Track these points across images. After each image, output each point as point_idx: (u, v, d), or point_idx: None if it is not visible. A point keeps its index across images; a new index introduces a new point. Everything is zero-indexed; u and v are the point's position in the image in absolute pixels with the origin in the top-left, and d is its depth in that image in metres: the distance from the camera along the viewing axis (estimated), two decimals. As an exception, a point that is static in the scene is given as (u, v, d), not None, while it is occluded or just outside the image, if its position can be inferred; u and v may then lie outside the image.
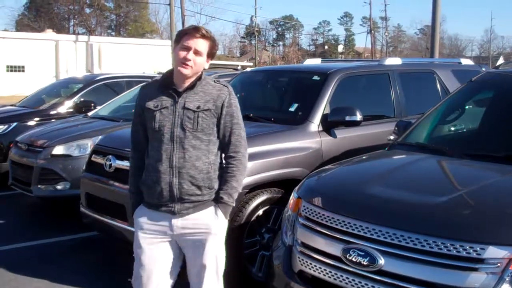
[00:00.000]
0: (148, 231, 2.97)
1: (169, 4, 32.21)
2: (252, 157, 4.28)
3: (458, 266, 2.52)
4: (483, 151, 3.63)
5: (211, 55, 2.94)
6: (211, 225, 2.95)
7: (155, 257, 2.98)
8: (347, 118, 5.05)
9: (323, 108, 5.20)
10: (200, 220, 2.93)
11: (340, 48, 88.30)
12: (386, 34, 72.31)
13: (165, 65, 30.34)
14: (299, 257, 3.12)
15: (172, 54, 3.05)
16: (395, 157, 3.89)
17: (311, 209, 3.17)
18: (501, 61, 35.55)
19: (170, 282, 3.05)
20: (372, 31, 59.49)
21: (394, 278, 2.66)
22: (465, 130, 4.44)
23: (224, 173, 2.98)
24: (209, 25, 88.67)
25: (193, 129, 2.89)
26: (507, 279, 2.44)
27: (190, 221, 2.93)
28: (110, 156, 5.05)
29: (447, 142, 4.14)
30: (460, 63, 7.00)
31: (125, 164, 4.81)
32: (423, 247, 2.61)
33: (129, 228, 4.56)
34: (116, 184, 4.87)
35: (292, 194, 3.50)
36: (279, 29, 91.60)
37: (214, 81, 3.01)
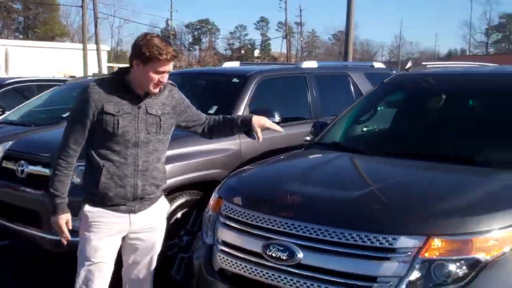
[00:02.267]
0: (106, 229, 3.01)
1: (82, 6, 31.29)
2: (171, 159, 4.28)
3: (372, 256, 2.65)
4: (396, 149, 3.82)
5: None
6: (161, 217, 3.21)
7: (109, 253, 3.05)
8: None
9: (242, 109, 5.29)
10: (153, 213, 3.14)
11: (257, 52, 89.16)
12: (301, 39, 73.96)
13: (77, 68, 29.45)
14: (219, 256, 3.16)
15: (138, 72, 3.00)
16: (311, 156, 4.02)
17: (231, 208, 3.23)
18: (409, 65, 36.97)
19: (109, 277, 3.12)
20: (288, 36, 60.53)
21: (312, 270, 2.76)
22: (378, 129, 4.65)
23: (221, 121, 3.29)
24: (123, 27, 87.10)
25: (156, 133, 3.01)
26: (417, 266, 2.60)
27: (146, 216, 3.10)
28: (23, 161, 4.86)
29: (362, 141, 4.34)
30: (372, 66, 7.32)
31: (38, 169, 4.67)
32: (339, 240, 2.73)
33: (43, 235, 4.45)
34: (29, 190, 4.70)
35: (213, 194, 3.54)
36: (195, 33, 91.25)
37: None
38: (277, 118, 5.18)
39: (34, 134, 5.74)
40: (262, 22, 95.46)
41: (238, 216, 3.14)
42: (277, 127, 3.36)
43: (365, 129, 4.61)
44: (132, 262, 3.21)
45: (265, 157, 4.51)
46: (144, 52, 2.83)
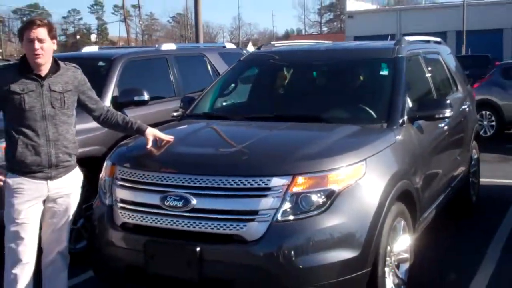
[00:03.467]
0: (26, 195, 3.43)
1: None
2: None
3: (252, 195, 3.34)
4: (259, 114, 4.58)
5: (53, 36, 3.44)
6: (76, 185, 3.69)
7: (32, 217, 3.47)
8: (136, 98, 5.64)
9: (111, 90, 5.70)
10: (69, 181, 3.60)
11: (93, 37, 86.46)
12: (140, 22, 73.03)
13: None
14: (121, 212, 3.65)
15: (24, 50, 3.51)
16: (187, 125, 4.62)
17: (126, 171, 3.72)
18: (250, 46, 38.89)
19: (36, 241, 3.54)
20: (126, 20, 59.67)
21: (205, 212, 3.38)
22: (239, 100, 5.37)
23: (119, 121, 3.81)
24: None
25: (61, 107, 3.47)
26: (287, 199, 3.32)
27: (62, 183, 3.55)
28: None
29: (227, 110, 5.02)
30: (224, 46, 8.07)
31: None
32: (225, 185, 3.37)
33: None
34: None
35: (105, 163, 4.00)
36: (24, 18, 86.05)
37: (65, 64, 3.59)
38: (146, 96, 5.68)
39: None
40: (97, 6, 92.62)
41: (134, 177, 3.65)
42: (167, 137, 3.90)
43: (229, 101, 5.31)
44: (50, 224, 3.62)
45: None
46: (18, 30, 3.49)
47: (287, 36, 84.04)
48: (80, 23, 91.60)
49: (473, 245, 5.33)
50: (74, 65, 3.68)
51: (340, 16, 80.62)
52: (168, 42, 7.34)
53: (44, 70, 3.44)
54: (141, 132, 3.86)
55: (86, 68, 6.28)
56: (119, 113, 3.90)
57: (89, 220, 5.22)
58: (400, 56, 4.79)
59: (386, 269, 3.65)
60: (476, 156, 6.59)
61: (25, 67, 3.43)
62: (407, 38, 5.25)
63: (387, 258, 3.65)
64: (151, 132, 3.86)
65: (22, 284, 3.51)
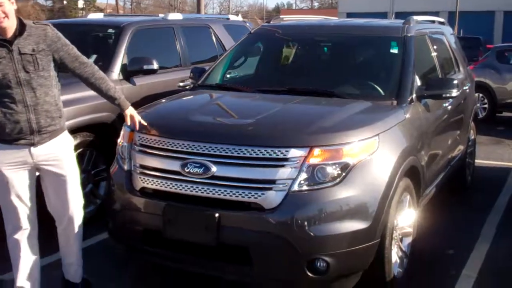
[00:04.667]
0: (9, 163, 3.36)
1: None
2: (64, 104, 4.66)
3: (271, 165, 3.45)
4: (271, 87, 4.65)
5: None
6: (66, 148, 3.56)
7: (22, 183, 3.42)
8: (145, 67, 5.70)
9: (121, 58, 5.74)
10: (57, 145, 3.48)
11: (81, 3, 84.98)
12: (130, -11, 71.96)
13: None
14: (140, 177, 3.74)
15: None
16: (201, 95, 4.70)
17: (146, 138, 3.81)
18: (239, 18, 38.66)
19: (35, 206, 3.51)
20: (116, -13, 58.75)
21: (225, 180, 3.48)
22: (250, 72, 5.44)
23: (98, 84, 3.60)
24: None
25: (35, 70, 3.30)
26: (304, 170, 3.43)
27: (48, 148, 3.44)
28: None
29: (240, 82, 5.11)
30: (228, 19, 8.10)
31: None
32: (244, 155, 3.47)
33: None
34: None
35: (123, 129, 4.07)
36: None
37: (34, 23, 3.39)
38: (155, 65, 5.74)
39: None
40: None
41: (155, 144, 3.74)
42: (143, 122, 3.80)
43: (240, 72, 5.40)
44: (50, 192, 3.57)
45: (146, 102, 5.03)
46: None
47: (277, 10, 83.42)
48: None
49: (470, 223, 5.52)
50: (44, 22, 3.47)
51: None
52: (158, 11, 7.35)
53: (10, 33, 3.25)
54: (121, 109, 3.78)
55: (96, 35, 6.45)
56: (106, 78, 3.69)
57: (97, 185, 5.36)
58: (409, 35, 4.89)
59: (392, 242, 3.80)
60: (473, 137, 6.77)
61: None
62: (415, 17, 5.34)
63: (393, 231, 3.81)
64: (130, 113, 3.77)
65: (25, 249, 3.54)
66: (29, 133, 3.33)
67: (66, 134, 3.61)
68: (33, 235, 3.58)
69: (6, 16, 3.19)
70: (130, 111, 3.79)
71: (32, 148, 3.38)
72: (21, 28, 3.30)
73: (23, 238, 3.53)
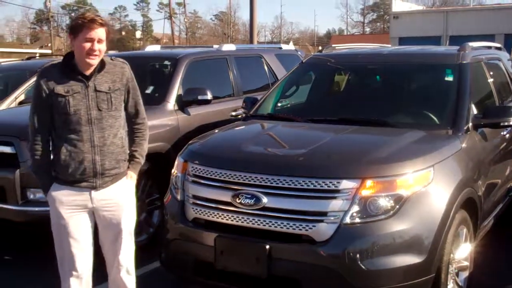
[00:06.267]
0: (69, 206, 3.24)
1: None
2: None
3: (323, 196, 3.43)
4: (322, 116, 4.65)
5: (108, 38, 3.19)
6: (126, 195, 3.37)
7: (80, 227, 3.28)
8: (200, 97, 5.81)
9: (176, 89, 5.88)
10: (117, 191, 3.31)
11: (138, 34, 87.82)
12: (185, 19, 73.80)
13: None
14: (192, 208, 3.78)
15: (74, 46, 3.12)
16: (253, 125, 4.74)
17: (199, 169, 3.86)
18: (291, 45, 38.91)
19: (92, 250, 3.40)
20: (172, 17, 60.41)
21: (276, 211, 3.48)
22: (302, 102, 5.46)
23: (136, 137, 3.43)
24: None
25: (108, 109, 3.20)
26: (356, 201, 3.39)
27: (109, 193, 3.28)
28: None
29: (292, 112, 5.12)
30: (281, 48, 8.18)
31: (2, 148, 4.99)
32: (295, 186, 3.46)
33: (9, 207, 4.83)
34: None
35: (177, 159, 4.14)
36: (73, 14, 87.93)
37: (111, 59, 3.31)
38: (209, 95, 5.85)
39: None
40: (142, 3, 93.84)
41: (207, 174, 3.78)
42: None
43: (292, 102, 5.42)
44: (105, 237, 3.40)
45: (200, 131, 5.15)
46: (72, 24, 3.18)
47: (328, 35, 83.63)
48: (126, 20, 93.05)
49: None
50: (121, 60, 3.34)
51: (383, 17, 79.61)
52: (211, 41, 7.49)
53: (91, 70, 3.17)
54: (129, 167, 3.42)
55: (153, 66, 6.64)
56: (145, 139, 3.49)
57: (151, 213, 5.44)
58: (465, 62, 4.80)
59: (448, 276, 3.69)
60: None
61: (69, 67, 3.19)
62: (470, 44, 5.24)
63: (449, 266, 3.69)
64: (130, 176, 3.43)
65: None
66: (92, 175, 3.20)
67: (127, 180, 3.41)
68: (87, 283, 3.43)
69: (100, 54, 3.15)
70: (132, 176, 3.45)
71: (93, 192, 3.24)
72: (101, 64, 3.21)
73: (76, 284, 3.37)
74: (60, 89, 3.14)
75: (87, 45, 3.08)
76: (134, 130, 3.44)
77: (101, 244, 3.44)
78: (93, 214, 3.34)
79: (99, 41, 3.11)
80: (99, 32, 3.11)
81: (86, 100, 3.16)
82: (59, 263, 3.38)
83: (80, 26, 3.09)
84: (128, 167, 3.41)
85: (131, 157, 3.42)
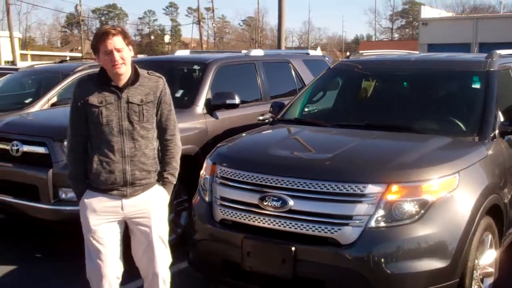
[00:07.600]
0: (100, 213, 3.31)
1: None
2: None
3: (348, 200, 3.49)
4: (349, 122, 4.72)
5: (129, 43, 3.24)
6: (157, 203, 3.39)
7: (109, 235, 3.34)
8: (228, 101, 5.92)
9: (205, 93, 6.00)
10: (148, 199, 3.35)
11: (167, 38, 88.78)
12: (214, 24, 74.30)
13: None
14: (220, 209, 3.88)
15: (101, 62, 3.20)
16: (281, 129, 4.84)
17: (227, 171, 3.96)
18: (318, 51, 38.98)
19: (119, 259, 3.43)
20: (200, 22, 60.91)
21: (302, 214, 3.55)
22: (329, 107, 5.53)
23: (165, 155, 3.41)
24: (30, 14, 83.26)
25: (139, 121, 3.25)
26: (382, 206, 3.45)
27: (139, 201, 3.33)
28: (15, 141, 5.29)
29: (319, 117, 5.20)
30: (308, 53, 8.25)
31: (33, 148, 5.19)
32: (321, 189, 3.54)
33: (41, 205, 5.00)
34: (25, 167, 5.20)
35: (206, 162, 4.25)
36: (103, 18, 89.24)
37: (148, 73, 3.34)
38: (237, 100, 5.95)
39: (22, 117, 6.15)
40: (171, 8, 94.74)
41: (235, 177, 3.88)
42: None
43: (319, 107, 5.50)
44: (138, 245, 3.42)
45: (228, 135, 5.25)
46: (91, 44, 3.30)
47: (356, 41, 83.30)
48: (155, 24, 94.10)
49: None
50: (157, 74, 3.39)
51: (412, 23, 78.90)
52: (239, 46, 7.58)
53: (123, 81, 3.23)
54: (163, 186, 3.45)
55: (182, 70, 6.78)
56: (169, 155, 3.43)
57: (179, 215, 5.56)
58: (492, 69, 4.81)
59: (472, 282, 3.71)
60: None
61: (104, 78, 3.26)
62: (498, 51, 5.24)
63: (474, 271, 3.72)
64: (166, 197, 3.48)
65: None
66: (122, 184, 3.26)
67: (158, 188, 3.42)
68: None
69: (124, 62, 3.18)
70: (165, 197, 3.48)
71: (123, 200, 3.30)
72: (135, 77, 3.26)
73: None
74: (94, 99, 3.22)
75: (108, 58, 3.16)
76: (162, 146, 3.44)
77: (133, 253, 3.47)
78: (123, 223, 3.41)
79: (118, 50, 3.16)
80: (115, 42, 3.16)
81: (119, 111, 3.23)
82: (87, 270, 3.41)
83: (96, 43, 3.19)
84: (164, 183, 3.43)
85: (162, 177, 3.42)
